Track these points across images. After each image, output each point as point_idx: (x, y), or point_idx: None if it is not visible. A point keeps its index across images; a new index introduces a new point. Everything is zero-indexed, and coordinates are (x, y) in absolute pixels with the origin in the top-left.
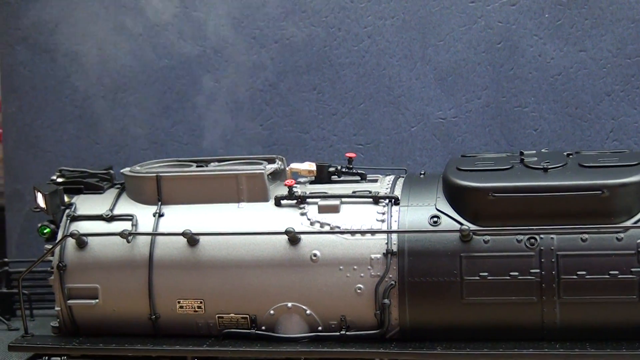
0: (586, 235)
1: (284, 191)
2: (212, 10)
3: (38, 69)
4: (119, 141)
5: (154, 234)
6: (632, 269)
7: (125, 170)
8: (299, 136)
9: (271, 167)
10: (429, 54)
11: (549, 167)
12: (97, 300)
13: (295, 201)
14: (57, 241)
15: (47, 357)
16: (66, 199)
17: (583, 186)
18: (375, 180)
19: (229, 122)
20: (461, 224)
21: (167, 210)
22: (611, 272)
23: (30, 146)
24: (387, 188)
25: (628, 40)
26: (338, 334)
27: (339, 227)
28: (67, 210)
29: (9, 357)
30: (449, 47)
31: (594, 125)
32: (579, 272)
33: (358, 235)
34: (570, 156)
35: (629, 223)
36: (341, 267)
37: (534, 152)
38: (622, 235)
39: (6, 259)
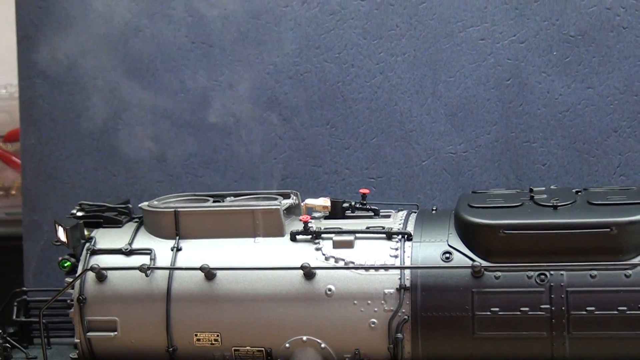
0: (595, 272)
1: (299, 226)
2: (228, 46)
3: (57, 102)
4: (135, 173)
5: (172, 269)
6: None
7: (144, 204)
8: (312, 169)
9: (286, 203)
10: (440, 90)
11: (559, 204)
12: (115, 333)
13: (310, 236)
14: (77, 275)
15: None
16: (86, 232)
17: (592, 224)
18: (388, 216)
19: (243, 155)
20: (473, 260)
21: (185, 244)
22: (620, 308)
23: (49, 177)
24: (400, 224)
25: (635, 78)
26: None
27: (353, 263)
28: (87, 244)
29: None
30: (459, 84)
31: (602, 160)
32: (588, 308)
33: (372, 271)
34: (579, 193)
35: (637, 260)
36: (355, 302)
37: (544, 188)
38: (630, 272)
39: (24, 288)
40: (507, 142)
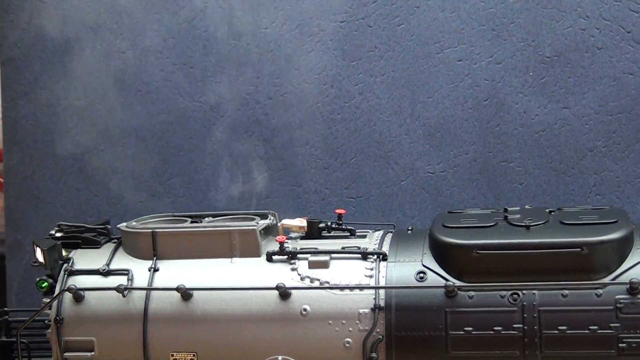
0: (567, 291)
1: (276, 246)
2: (209, 68)
3: (40, 123)
4: (117, 194)
5: (148, 289)
6: (611, 324)
7: (122, 225)
8: (292, 189)
9: (263, 223)
10: (418, 110)
11: (531, 224)
12: (93, 353)
13: (286, 257)
14: (54, 295)
15: None
16: (64, 253)
17: (563, 244)
18: (364, 236)
19: (224, 175)
20: (446, 279)
21: (162, 265)
22: (591, 327)
23: (31, 197)
24: (375, 244)
25: (610, 98)
26: None
27: (328, 283)
28: (65, 265)
29: None
30: (437, 104)
31: (577, 179)
32: (560, 327)
33: (347, 291)
34: (552, 213)
35: (607, 279)
36: (330, 322)
37: (518, 208)
38: (601, 291)
39: (6, 308)
40: (485, 161)
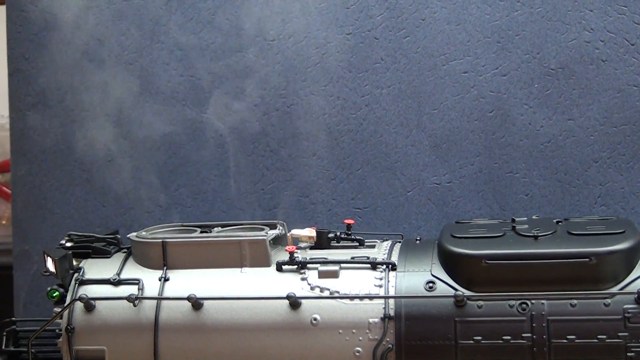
0: (575, 301)
1: (285, 256)
2: (217, 79)
3: (47, 134)
4: (124, 204)
5: (159, 299)
6: (619, 334)
7: (132, 235)
8: (299, 200)
9: (273, 233)
10: (424, 122)
11: (539, 234)
12: None
13: (296, 266)
14: (65, 305)
15: None
16: (74, 262)
17: (571, 254)
18: (373, 246)
19: (231, 186)
20: (455, 289)
21: (172, 274)
22: (599, 337)
23: (39, 208)
24: (384, 254)
25: (614, 110)
26: None
27: (338, 292)
28: (76, 275)
29: None
30: (443, 116)
31: (583, 190)
32: (568, 337)
33: (356, 300)
34: (560, 223)
35: (615, 289)
36: (340, 331)
37: (525, 219)
38: (609, 301)
39: (13, 318)
40: (491, 172)
